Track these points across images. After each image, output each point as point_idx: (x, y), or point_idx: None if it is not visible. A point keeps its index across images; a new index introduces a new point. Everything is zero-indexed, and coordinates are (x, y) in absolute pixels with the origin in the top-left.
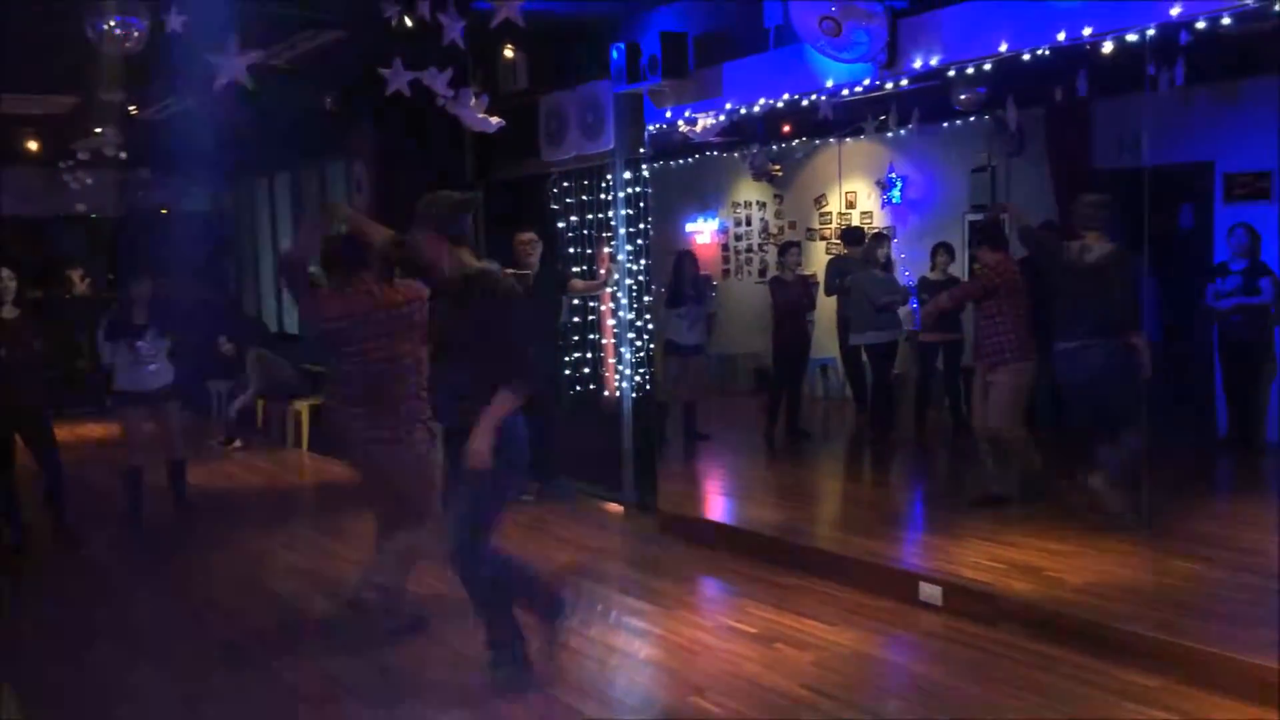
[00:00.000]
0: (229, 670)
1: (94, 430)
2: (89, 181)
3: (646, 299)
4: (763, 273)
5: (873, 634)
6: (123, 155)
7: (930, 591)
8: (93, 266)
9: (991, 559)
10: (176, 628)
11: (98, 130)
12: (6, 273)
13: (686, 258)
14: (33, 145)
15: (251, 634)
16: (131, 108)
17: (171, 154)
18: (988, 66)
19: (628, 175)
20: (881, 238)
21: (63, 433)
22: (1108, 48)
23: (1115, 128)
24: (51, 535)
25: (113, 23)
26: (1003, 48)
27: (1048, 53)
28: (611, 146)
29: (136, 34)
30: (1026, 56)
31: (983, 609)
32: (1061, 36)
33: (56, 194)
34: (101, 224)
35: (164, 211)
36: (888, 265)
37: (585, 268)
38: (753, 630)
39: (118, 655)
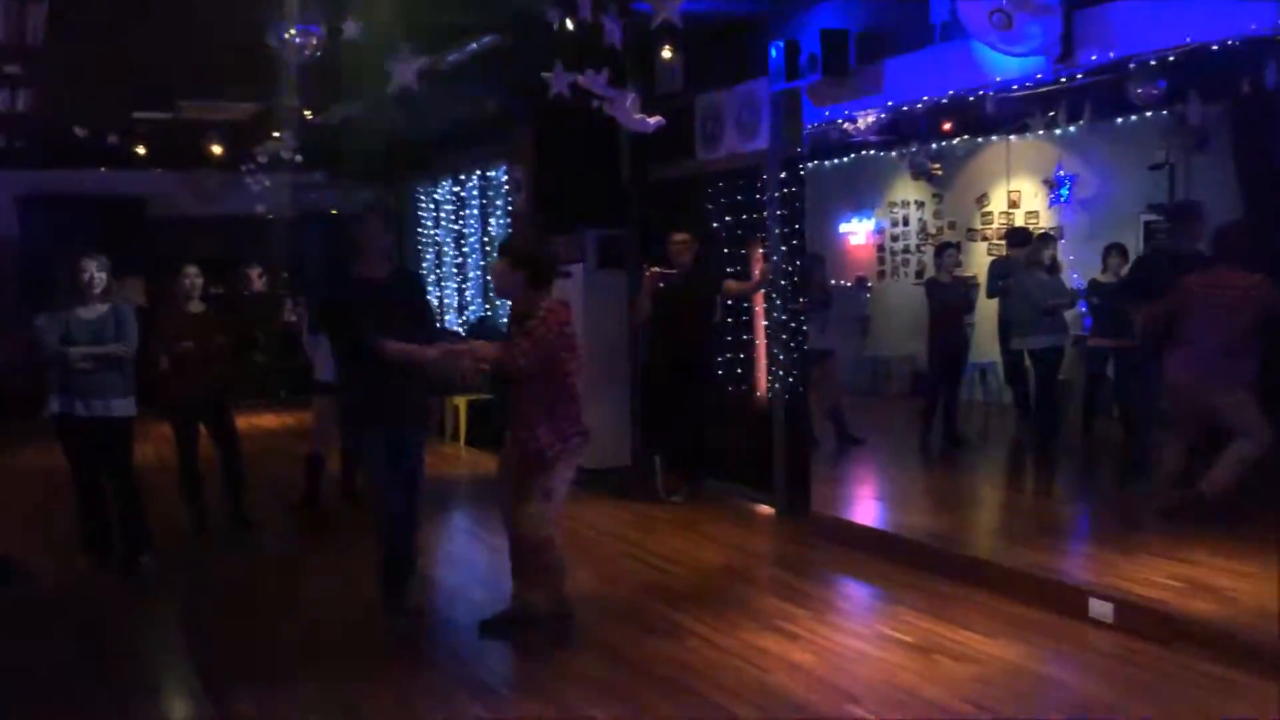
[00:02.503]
0: (386, 659)
1: (269, 421)
2: (267, 184)
3: (801, 300)
4: (919, 274)
5: (1038, 649)
6: (298, 159)
7: (1100, 608)
8: (268, 265)
9: (1167, 576)
10: (341, 610)
11: (276, 135)
12: (194, 269)
13: (814, 261)
14: (216, 149)
15: (413, 621)
16: (307, 112)
17: (342, 157)
18: (1171, 58)
19: (783, 175)
20: (1048, 239)
21: (239, 423)
22: None
23: None
24: (229, 520)
25: (294, 31)
26: (1187, 40)
27: (1236, 44)
28: (767, 146)
29: (315, 41)
30: (1215, 48)
31: (1158, 628)
32: (1254, 27)
33: (237, 195)
34: (277, 224)
35: (334, 213)
36: (1053, 267)
37: (739, 268)
38: (909, 639)
39: (288, 632)
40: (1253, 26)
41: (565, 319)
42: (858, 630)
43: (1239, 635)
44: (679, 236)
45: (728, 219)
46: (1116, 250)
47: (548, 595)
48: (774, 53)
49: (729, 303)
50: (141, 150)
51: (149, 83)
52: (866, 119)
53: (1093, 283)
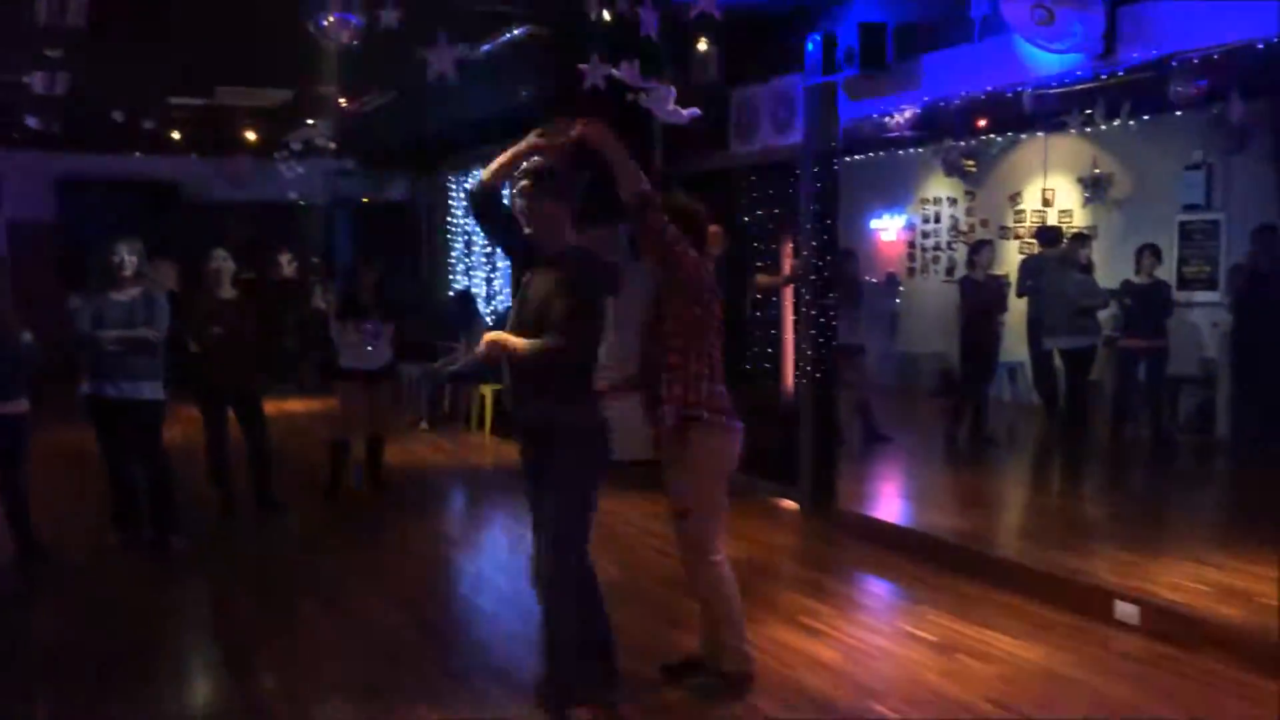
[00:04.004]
0: (411, 643)
1: (295, 406)
2: (299, 170)
3: (830, 295)
4: (950, 271)
5: (1062, 651)
6: (331, 146)
7: (1126, 610)
8: (298, 251)
9: (1195, 580)
10: (366, 594)
11: (310, 122)
12: (222, 253)
13: (845, 257)
14: (250, 135)
15: (437, 607)
16: (341, 100)
17: (375, 146)
18: (1214, 57)
19: (816, 169)
20: (1082, 238)
21: (267, 408)
22: None
23: None
24: (256, 503)
25: (332, 18)
26: (1230, 38)
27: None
28: (801, 140)
29: (352, 28)
30: (1259, 47)
31: (1185, 633)
32: None
33: (269, 182)
34: (308, 211)
35: (365, 201)
36: (1088, 267)
37: (770, 262)
38: (932, 638)
39: (313, 614)
40: None
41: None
42: (881, 628)
43: (1267, 641)
44: (711, 229)
45: (760, 212)
46: (1150, 250)
47: (707, 643)
48: (811, 46)
49: (759, 297)
50: (176, 135)
51: (186, 68)
52: (902, 114)
53: (1125, 283)
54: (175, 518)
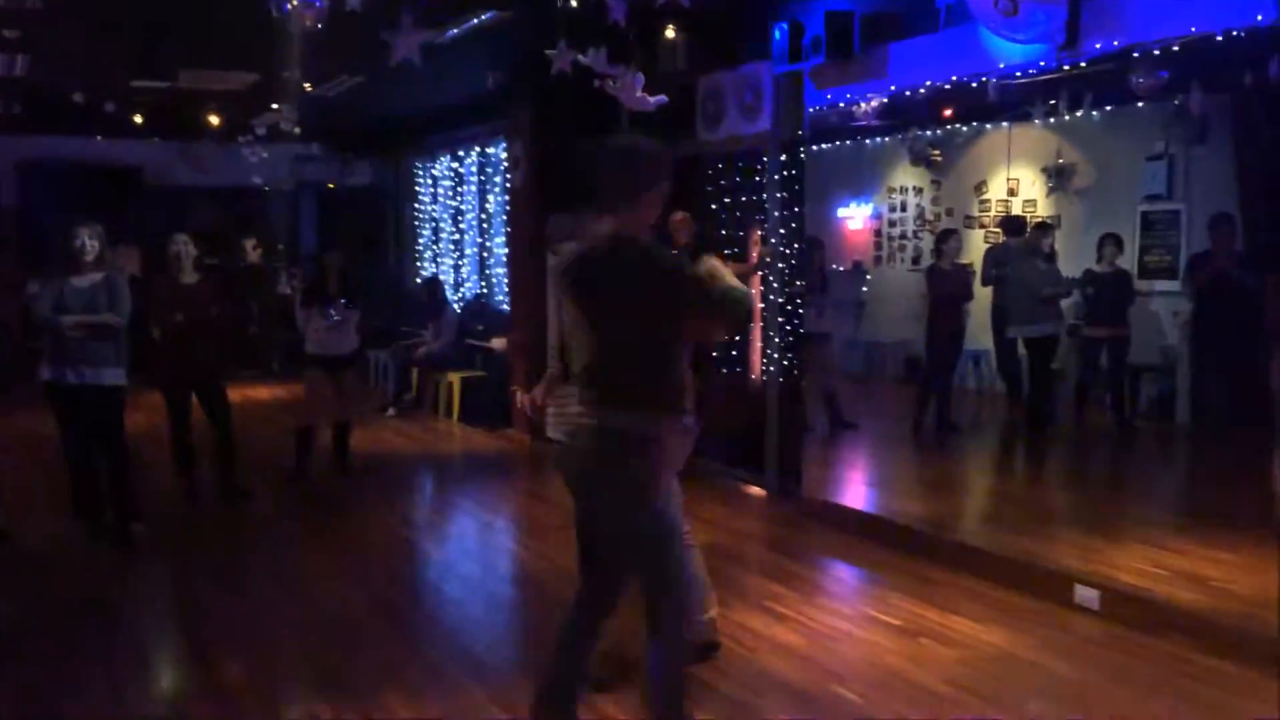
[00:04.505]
0: (374, 629)
1: (261, 393)
2: (264, 155)
3: (798, 283)
4: (916, 260)
5: (1023, 635)
6: (296, 131)
7: (1086, 594)
8: (263, 236)
9: (1154, 565)
10: (330, 580)
11: (274, 106)
12: (183, 237)
13: (812, 245)
14: (214, 119)
15: (403, 594)
16: (307, 84)
17: (340, 130)
18: (1175, 48)
19: (783, 157)
20: (1046, 227)
21: (232, 395)
22: None
23: None
24: (221, 490)
25: (296, 1)
26: (1192, 29)
27: (1240, 35)
28: (769, 128)
29: (317, 11)
30: (1219, 38)
31: (1143, 616)
32: (1259, 18)
33: (234, 166)
34: (273, 196)
35: (330, 186)
36: (1051, 256)
37: (737, 250)
38: (896, 622)
39: (277, 601)
40: (1258, 18)
41: None
42: (845, 612)
43: (1224, 625)
44: (678, 216)
45: (727, 200)
46: (1112, 240)
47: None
48: (778, 34)
49: None
50: (139, 119)
51: (148, 51)
52: (869, 103)
53: (1087, 273)
54: (136, 504)
